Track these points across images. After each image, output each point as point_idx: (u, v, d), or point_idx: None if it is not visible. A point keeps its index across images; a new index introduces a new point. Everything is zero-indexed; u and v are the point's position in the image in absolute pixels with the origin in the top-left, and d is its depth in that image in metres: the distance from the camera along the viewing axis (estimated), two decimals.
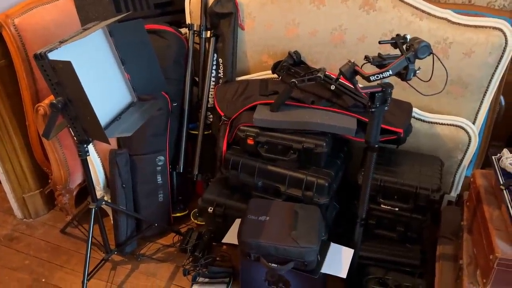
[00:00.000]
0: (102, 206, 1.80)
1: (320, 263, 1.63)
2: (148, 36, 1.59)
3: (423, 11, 1.76)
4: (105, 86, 1.51)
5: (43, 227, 2.22)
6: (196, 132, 2.15)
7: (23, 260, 2.02)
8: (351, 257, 1.66)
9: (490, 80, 1.75)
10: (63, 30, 1.97)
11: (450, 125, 1.82)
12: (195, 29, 2.09)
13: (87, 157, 1.60)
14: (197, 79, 2.17)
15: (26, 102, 1.92)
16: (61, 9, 2.01)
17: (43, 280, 1.92)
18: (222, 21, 2.03)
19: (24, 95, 1.91)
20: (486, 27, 1.68)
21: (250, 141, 1.82)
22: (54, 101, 1.31)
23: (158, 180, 2.06)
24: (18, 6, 1.85)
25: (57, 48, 1.28)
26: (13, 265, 1.99)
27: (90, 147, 1.95)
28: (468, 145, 1.82)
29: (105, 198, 2.04)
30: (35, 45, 1.86)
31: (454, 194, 1.98)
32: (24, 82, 1.87)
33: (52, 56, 1.25)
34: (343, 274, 1.60)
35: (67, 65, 1.19)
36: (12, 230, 2.20)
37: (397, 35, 1.36)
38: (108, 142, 1.33)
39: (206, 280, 1.85)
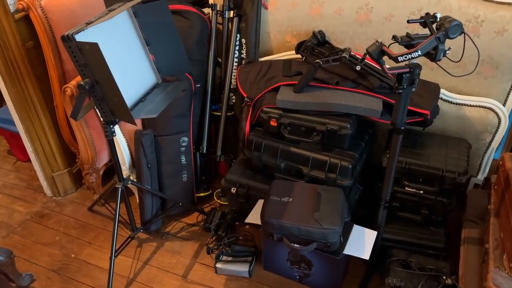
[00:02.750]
0: (128, 185, 1.84)
1: (342, 244, 1.63)
2: (172, 17, 1.59)
3: None
4: (131, 67, 1.52)
5: (71, 204, 2.29)
6: (219, 114, 2.15)
7: (53, 236, 2.10)
8: (374, 239, 1.66)
9: None
10: (88, 10, 1.99)
11: (479, 106, 1.76)
12: (218, 9, 2.07)
13: (114, 138, 1.63)
14: (220, 60, 2.17)
15: (54, 83, 1.96)
16: None
17: (73, 255, 1.99)
18: (246, 1, 2.00)
19: (51, 76, 1.95)
20: None
21: (273, 123, 1.81)
22: (82, 82, 1.33)
23: (182, 160, 2.09)
24: None
25: (83, 30, 1.29)
26: (44, 240, 2.07)
27: (116, 128, 1.98)
28: (498, 127, 1.77)
29: (131, 178, 2.09)
30: (62, 26, 1.88)
31: (481, 177, 1.94)
32: (51, 63, 1.90)
33: (79, 37, 1.27)
34: (366, 256, 1.61)
35: (94, 46, 1.20)
36: (42, 207, 2.28)
37: (427, 13, 1.31)
38: (134, 123, 1.35)
39: (230, 258, 1.89)
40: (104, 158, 2.16)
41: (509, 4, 1.63)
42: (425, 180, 1.69)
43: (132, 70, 1.52)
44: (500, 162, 1.60)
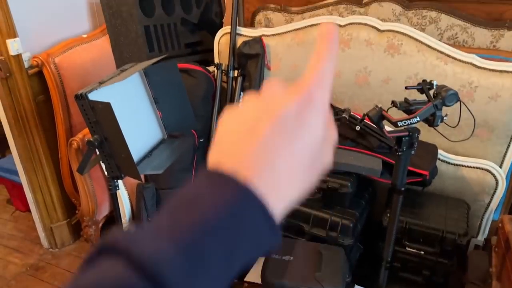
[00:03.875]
0: None
1: None
2: (181, 75, 1.66)
3: (447, 55, 1.79)
4: (139, 124, 1.57)
5: (68, 257, 2.25)
6: None
7: None
8: None
9: None
10: (99, 67, 2.08)
11: (477, 168, 1.81)
12: (223, 68, 2.17)
13: (116, 191, 1.65)
14: None
15: (60, 136, 2.01)
16: (98, 48, 2.12)
17: None
18: (250, 62, 2.10)
19: (59, 129, 2.00)
20: (511, 72, 1.70)
21: None
22: (91, 139, 1.37)
23: None
24: (59, 45, 1.97)
25: (96, 89, 1.35)
26: None
27: (119, 181, 2.00)
28: (495, 189, 1.80)
29: None
30: (73, 82, 1.96)
31: (481, 238, 1.94)
32: (60, 117, 1.96)
33: (92, 96, 1.32)
34: None
35: (107, 106, 1.25)
36: (38, 260, 2.24)
37: (424, 80, 1.39)
38: (140, 180, 1.38)
39: None
40: (104, 211, 2.16)
41: (500, 71, 1.72)
42: (426, 240, 1.69)
43: (139, 126, 1.56)
44: (500, 225, 1.61)
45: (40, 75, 1.92)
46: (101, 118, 1.32)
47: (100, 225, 2.19)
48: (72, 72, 1.95)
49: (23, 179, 2.10)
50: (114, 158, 1.42)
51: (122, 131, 1.28)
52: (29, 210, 2.25)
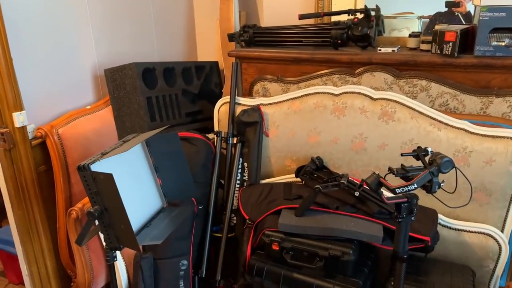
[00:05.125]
0: None
1: None
2: (181, 145, 1.70)
3: (440, 122, 1.85)
4: (139, 193, 1.58)
5: None
6: (220, 235, 2.16)
7: None
8: None
9: None
10: (102, 137, 2.13)
11: (478, 232, 1.79)
12: (222, 135, 2.22)
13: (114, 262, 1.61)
14: (222, 181, 2.24)
15: (60, 205, 2.00)
16: (101, 118, 2.18)
17: None
18: (248, 129, 2.16)
19: (58, 198, 2.00)
20: (504, 137, 1.74)
21: (275, 247, 1.81)
22: (91, 210, 1.37)
23: (181, 285, 2.03)
24: (63, 117, 2.03)
25: (99, 160, 1.37)
26: None
27: (117, 252, 1.96)
28: (499, 254, 1.77)
29: None
30: (75, 152, 1.99)
31: None
32: (60, 186, 1.97)
33: (94, 167, 1.35)
34: None
35: (109, 177, 1.27)
36: None
37: (419, 147, 1.42)
38: (139, 251, 1.36)
39: None
40: (100, 282, 2.10)
41: (492, 137, 1.76)
42: None
43: (140, 196, 1.57)
44: None
45: (42, 145, 1.96)
46: (102, 188, 1.33)
47: None
48: (75, 143, 1.99)
49: (18, 250, 2.06)
50: (114, 228, 1.42)
51: (123, 202, 1.29)
52: (22, 283, 2.18)
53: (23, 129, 1.88)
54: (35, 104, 1.95)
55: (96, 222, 1.43)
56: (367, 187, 1.78)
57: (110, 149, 1.46)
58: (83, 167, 1.34)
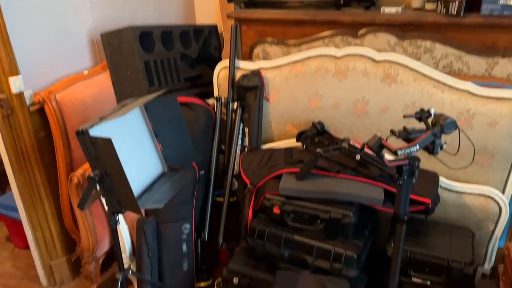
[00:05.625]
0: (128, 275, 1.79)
1: None
2: (181, 110, 1.68)
3: (444, 84, 1.81)
4: (139, 158, 1.57)
5: None
6: (221, 200, 2.17)
7: None
8: None
9: None
10: (100, 103, 2.10)
11: (479, 195, 1.79)
12: (222, 101, 2.19)
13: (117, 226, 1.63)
14: (223, 147, 2.24)
15: (61, 171, 2.01)
16: (99, 84, 2.15)
17: None
18: (249, 94, 2.13)
19: (59, 164, 2.00)
20: (508, 98, 1.72)
21: (276, 210, 1.82)
22: (92, 175, 1.37)
23: (183, 248, 2.06)
24: (61, 82, 2.00)
25: (97, 125, 1.36)
26: None
27: (120, 216, 1.98)
28: (499, 216, 1.78)
29: (131, 267, 2.04)
30: (74, 117, 1.98)
31: (487, 266, 1.91)
32: (60, 152, 1.96)
33: (93, 132, 1.33)
34: None
35: (107, 142, 1.26)
36: None
37: (421, 109, 1.40)
38: (141, 214, 1.37)
39: None
40: (104, 246, 2.13)
41: (497, 98, 1.73)
42: (432, 270, 1.66)
43: (140, 161, 1.57)
44: (506, 252, 1.59)
45: (41, 111, 1.94)
46: (102, 153, 1.33)
47: (100, 261, 2.16)
48: (73, 108, 1.97)
49: (22, 215, 2.08)
50: (115, 193, 1.42)
51: (123, 166, 1.28)
52: (28, 247, 2.22)
53: (20, 95, 1.86)
54: (31, 69, 1.91)
55: (97, 187, 1.43)
56: (369, 150, 1.78)
57: (109, 114, 1.44)
58: (82, 132, 1.33)
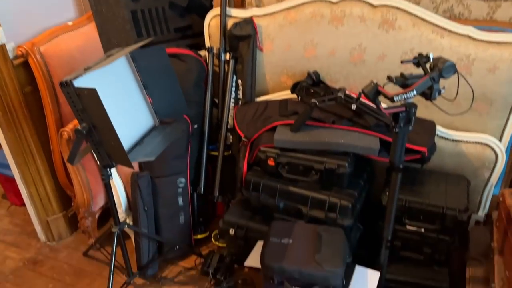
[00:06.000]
0: (124, 229, 1.80)
1: (345, 287, 1.58)
2: (170, 60, 1.61)
3: (443, 29, 1.74)
4: (128, 111, 1.53)
5: (66, 250, 2.23)
6: (216, 154, 2.15)
7: (46, 284, 2.03)
8: (377, 281, 1.61)
9: None
10: (87, 55, 2.03)
11: (476, 143, 1.77)
12: (214, 52, 2.11)
13: (110, 181, 1.62)
14: (216, 100, 2.19)
15: (51, 127, 1.97)
16: (85, 35, 2.06)
17: None
18: (241, 44, 2.05)
19: (48, 120, 1.95)
20: (509, 42, 1.65)
21: (271, 162, 1.81)
22: (79, 128, 1.33)
23: (179, 202, 2.06)
24: (44, 34, 1.91)
25: (82, 75, 1.30)
26: None
27: (113, 170, 1.96)
28: (495, 163, 1.77)
29: (127, 221, 2.05)
30: (60, 71, 1.91)
31: (482, 213, 1.92)
32: (49, 107, 1.91)
33: (78, 83, 1.28)
34: None
35: (92, 92, 1.21)
36: (36, 254, 2.22)
37: (420, 54, 1.35)
38: (131, 167, 1.34)
39: None
40: (100, 201, 2.13)
41: (498, 43, 1.67)
42: (426, 218, 1.67)
43: (129, 113, 1.52)
44: (500, 199, 1.59)
45: (26, 65, 1.87)
46: (88, 105, 1.28)
47: (97, 216, 2.17)
48: (59, 61, 1.89)
49: (15, 172, 2.06)
50: (104, 146, 1.39)
51: (110, 118, 1.24)
52: (24, 204, 2.22)
53: (2, 48, 1.78)
54: (12, 20, 1.82)
55: (86, 141, 1.40)
56: (365, 100, 1.74)
57: (94, 64, 1.38)
58: (66, 83, 1.28)
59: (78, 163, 1.92)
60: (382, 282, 1.65)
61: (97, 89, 1.22)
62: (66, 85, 1.27)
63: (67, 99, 1.30)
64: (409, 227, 1.70)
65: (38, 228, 2.25)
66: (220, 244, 2.19)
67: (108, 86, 1.40)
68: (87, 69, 1.34)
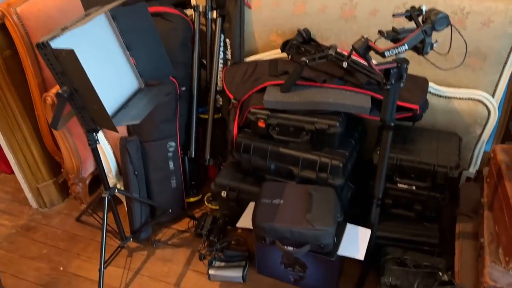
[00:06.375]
0: (115, 194, 1.79)
1: (336, 245, 1.60)
2: (152, 19, 1.54)
3: None
4: (111, 73, 1.47)
5: (58, 216, 2.23)
6: (206, 116, 2.11)
7: (40, 250, 2.04)
8: (368, 238, 1.63)
9: (510, 51, 1.67)
10: (67, 16, 1.93)
11: (468, 99, 1.75)
12: (200, 10, 2.03)
13: (98, 146, 1.59)
14: (204, 61, 2.12)
15: (34, 92, 1.91)
16: None
17: (61, 268, 1.94)
18: (228, 1, 1.97)
19: (31, 84, 1.89)
20: None
21: (261, 124, 1.78)
22: (60, 91, 1.28)
23: (170, 166, 2.05)
24: None
25: (59, 36, 1.24)
26: (31, 254, 2.01)
27: (100, 135, 1.93)
28: (487, 120, 1.75)
29: (118, 186, 2.04)
30: (39, 33, 1.83)
31: (472, 170, 1.93)
32: (30, 71, 1.85)
33: (55, 44, 1.22)
34: (361, 256, 1.58)
35: (70, 53, 1.15)
36: (28, 220, 2.21)
37: (412, 7, 1.29)
38: (116, 131, 1.31)
39: (223, 264, 1.85)
40: (90, 167, 2.11)
41: None
42: (417, 175, 1.66)
43: (112, 76, 1.47)
44: (492, 155, 1.59)
45: (3, 28, 1.79)
46: (67, 67, 1.23)
47: (88, 182, 2.15)
48: (37, 22, 1.81)
49: (1, 140, 2.02)
50: (88, 110, 1.35)
51: (91, 80, 1.20)
52: (14, 172, 2.19)
53: None
54: None
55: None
56: (356, 57, 1.69)
57: (71, 23, 1.32)
58: (43, 45, 1.22)
59: (64, 129, 1.88)
60: (373, 240, 1.67)
61: (75, 50, 1.16)
62: (43, 47, 1.21)
63: (45, 61, 1.25)
64: (400, 185, 1.70)
65: (29, 195, 2.24)
66: (213, 207, 2.19)
67: (87, 47, 1.34)
68: (64, 29, 1.28)
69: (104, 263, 1.71)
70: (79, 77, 1.21)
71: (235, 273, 1.81)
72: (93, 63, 1.34)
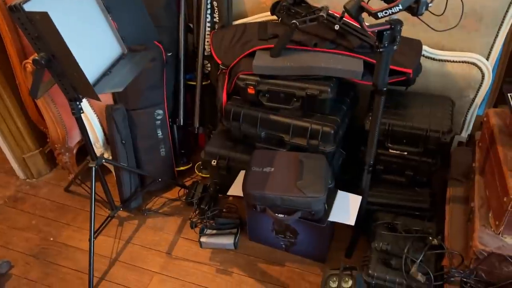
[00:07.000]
0: (104, 163, 1.75)
1: (327, 211, 1.60)
2: None
3: None
4: (91, 38, 1.40)
5: (46, 186, 2.20)
6: (194, 83, 2.05)
7: (29, 220, 2.02)
8: (359, 204, 1.63)
9: (507, 11, 1.61)
10: None
11: (462, 62, 1.71)
12: None
13: (83, 115, 1.53)
14: (191, 25, 2.04)
15: (13, 59, 1.83)
16: None
17: (51, 239, 1.93)
18: None
19: (10, 52, 1.81)
20: None
21: (250, 90, 1.73)
22: (37, 57, 1.22)
23: (159, 134, 2.00)
24: None
25: None
26: (20, 225, 2.00)
27: (85, 104, 1.87)
28: (481, 83, 1.72)
29: (106, 155, 2.00)
30: None
31: (465, 134, 1.91)
32: (8, 38, 1.76)
33: (28, 7, 1.14)
34: (351, 222, 1.58)
35: (44, 16, 1.08)
36: (16, 191, 2.18)
37: None
38: (98, 99, 1.26)
39: (214, 232, 1.85)
40: (76, 136, 2.06)
41: None
42: (409, 141, 1.64)
43: (92, 41, 1.40)
44: (485, 119, 1.56)
45: None
46: (42, 31, 1.16)
47: (75, 151, 2.10)
48: None
49: None
50: (68, 77, 1.29)
51: (68, 46, 1.13)
52: None
53: None
54: None
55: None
56: (348, 19, 1.63)
57: None
58: (15, 7, 1.14)
59: (47, 97, 1.81)
60: (364, 206, 1.66)
61: (50, 12, 1.09)
62: (16, 10, 1.14)
63: (19, 26, 1.17)
64: (392, 151, 1.69)
65: (15, 165, 2.19)
66: (204, 175, 2.17)
67: (64, 9, 1.26)
68: None
69: (94, 232, 1.70)
70: (56, 42, 1.14)
71: (227, 241, 1.81)
72: (70, 27, 1.27)
